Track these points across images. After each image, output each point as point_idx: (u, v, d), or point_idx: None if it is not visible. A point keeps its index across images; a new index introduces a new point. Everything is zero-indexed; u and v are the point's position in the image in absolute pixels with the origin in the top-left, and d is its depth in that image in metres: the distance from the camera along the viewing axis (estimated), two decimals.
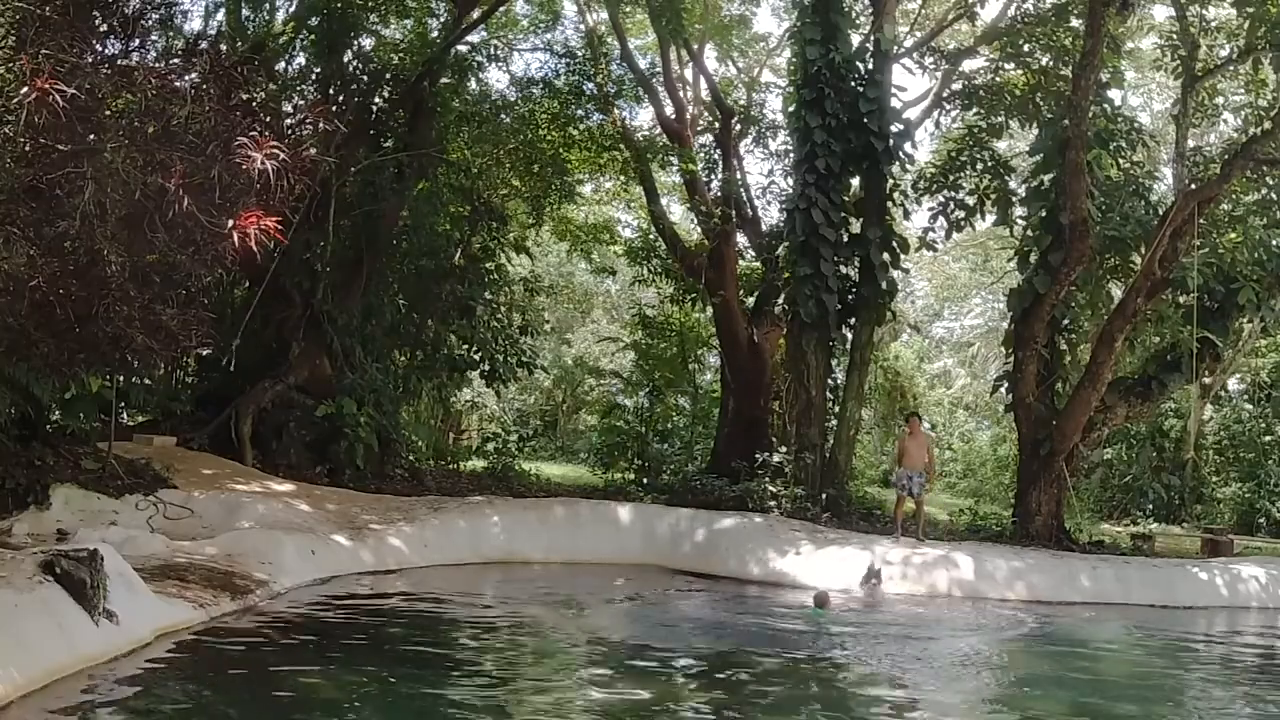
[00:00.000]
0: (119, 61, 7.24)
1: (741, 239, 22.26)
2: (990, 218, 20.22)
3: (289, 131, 16.64)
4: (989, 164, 19.62)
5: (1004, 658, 10.14)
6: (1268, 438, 24.46)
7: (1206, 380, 21.53)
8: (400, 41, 20.27)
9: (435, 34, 20.34)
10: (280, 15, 19.67)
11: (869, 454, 30.29)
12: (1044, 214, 17.55)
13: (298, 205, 10.37)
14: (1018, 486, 18.02)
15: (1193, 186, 17.55)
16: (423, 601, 10.76)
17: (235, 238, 6.45)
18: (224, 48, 13.98)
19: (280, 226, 6.53)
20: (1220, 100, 20.61)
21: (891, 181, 18.85)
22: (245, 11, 18.90)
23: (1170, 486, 24.21)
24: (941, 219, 20.01)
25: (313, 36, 19.09)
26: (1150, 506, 23.93)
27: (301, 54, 19.91)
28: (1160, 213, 17.16)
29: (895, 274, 18.73)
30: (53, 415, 13.51)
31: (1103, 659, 10.44)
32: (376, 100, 19.22)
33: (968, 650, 10.23)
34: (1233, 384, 26.19)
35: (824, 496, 16.85)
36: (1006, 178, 19.53)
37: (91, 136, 6.41)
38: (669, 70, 21.74)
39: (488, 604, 11.21)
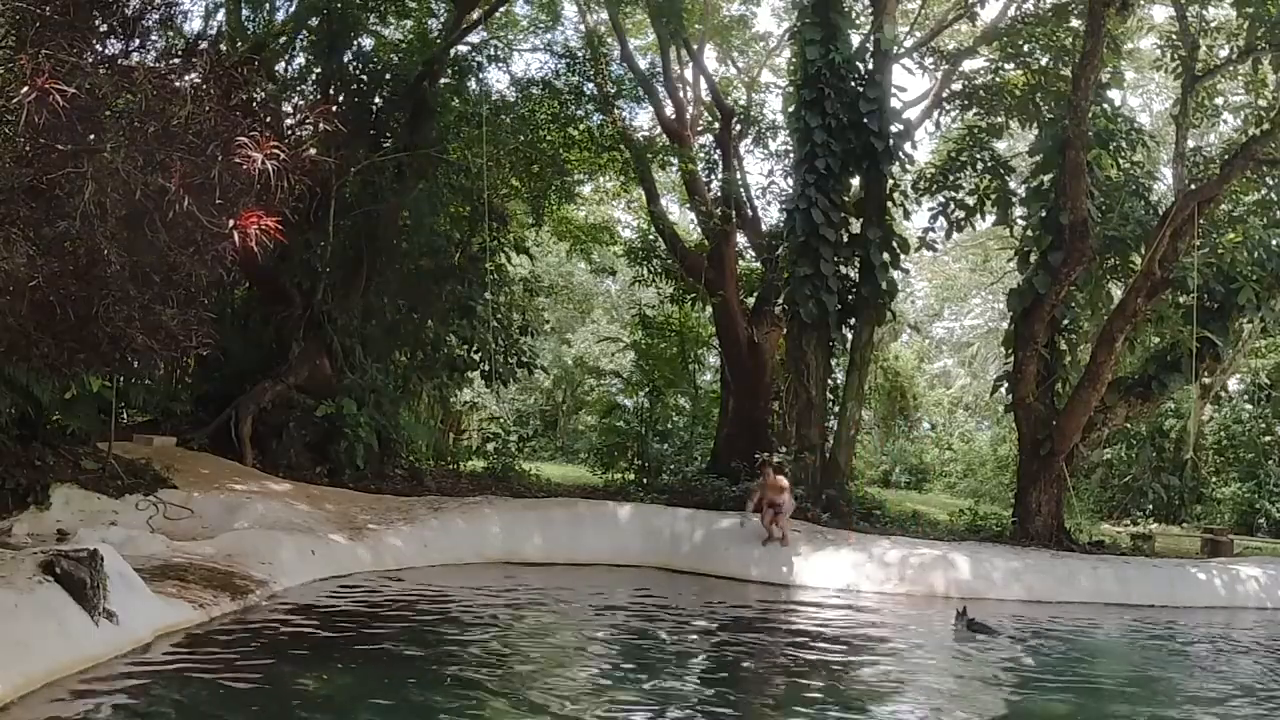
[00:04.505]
0: (119, 61, 7.24)
1: (741, 239, 22.28)
2: (990, 218, 20.22)
3: (289, 131, 16.71)
4: (989, 164, 19.62)
5: (1002, 656, 10.15)
6: (1268, 438, 24.49)
7: (1206, 380, 21.55)
8: (400, 41, 20.28)
9: (435, 34, 20.34)
10: (280, 15, 19.68)
11: (869, 454, 30.31)
12: (1044, 214, 17.56)
13: (298, 205, 10.36)
14: (1018, 486, 18.02)
15: (1193, 186, 17.56)
16: (421, 601, 10.76)
17: (235, 238, 6.45)
18: (224, 48, 14.03)
19: (280, 226, 6.53)
20: (1220, 100, 20.62)
21: (891, 181, 18.85)
22: (245, 11, 18.91)
23: (1170, 486, 24.23)
24: (941, 219, 20.01)
25: (313, 36, 19.09)
26: (1150, 506, 23.96)
27: (301, 54, 19.93)
28: (1160, 213, 17.18)
29: (895, 274, 18.72)
30: (53, 415, 13.51)
31: (1101, 659, 10.44)
32: (376, 100, 19.22)
33: (967, 649, 10.24)
34: (1233, 384, 26.21)
35: (824, 496, 16.85)
36: (1006, 178, 19.53)
37: (91, 136, 6.41)
38: (669, 70, 21.75)
39: (487, 604, 11.21)
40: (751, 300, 21.65)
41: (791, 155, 19.96)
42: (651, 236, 22.72)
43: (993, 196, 19.56)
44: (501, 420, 28.50)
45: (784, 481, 14.39)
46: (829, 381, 18.71)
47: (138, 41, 7.61)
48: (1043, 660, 9.95)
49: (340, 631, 9.01)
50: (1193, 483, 24.40)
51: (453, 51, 19.56)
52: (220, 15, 18.36)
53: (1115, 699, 8.60)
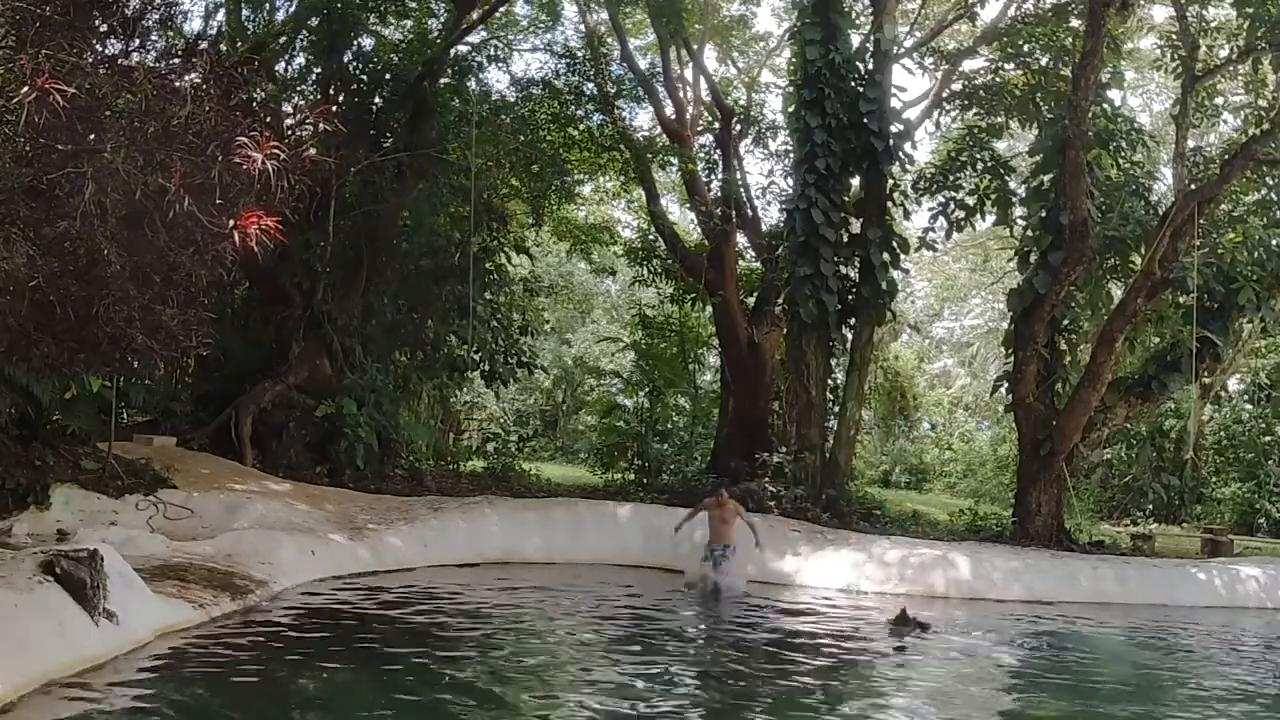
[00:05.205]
0: (119, 61, 7.24)
1: (741, 239, 22.27)
2: (990, 218, 20.22)
3: (289, 131, 16.72)
4: (989, 164, 19.61)
5: (1001, 657, 10.15)
6: (1268, 438, 24.48)
7: (1206, 380, 21.54)
8: (400, 41, 20.28)
9: (435, 34, 20.34)
10: (280, 15, 19.68)
11: (869, 454, 30.31)
12: (1044, 214, 17.57)
13: (298, 205, 10.37)
14: (1018, 486, 18.02)
15: (1193, 186, 17.56)
16: (421, 601, 10.76)
17: (235, 238, 6.45)
18: (224, 48, 14.03)
19: (280, 226, 6.53)
20: (1220, 100, 20.62)
21: (891, 181, 18.84)
22: (245, 11, 18.90)
23: (1170, 486, 24.23)
24: (941, 219, 20.01)
25: (313, 36, 19.08)
26: (1150, 506, 23.95)
27: (301, 54, 19.92)
28: (1160, 213, 17.18)
29: (895, 274, 18.72)
30: (53, 415, 13.51)
31: (1101, 659, 10.44)
32: (376, 100, 19.22)
33: (966, 649, 10.25)
34: (1233, 384, 26.20)
35: (824, 496, 16.85)
36: (1006, 178, 19.53)
37: (91, 136, 6.41)
38: (669, 70, 21.74)
39: (486, 604, 11.21)
40: (751, 300, 21.64)
41: (791, 155, 19.95)
42: (651, 236, 22.72)
43: (993, 196, 19.55)
44: (501, 420, 28.52)
45: (737, 510, 12.93)
46: (829, 381, 18.71)
47: (138, 41, 7.60)
48: (1028, 660, 9.96)
49: (340, 631, 9.01)
50: (1193, 483, 24.39)
51: (453, 51, 19.56)
52: (220, 15, 18.37)
53: (1109, 699, 8.59)
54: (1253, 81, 19.13)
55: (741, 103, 22.79)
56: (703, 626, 11.18)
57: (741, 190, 21.75)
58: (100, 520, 11.38)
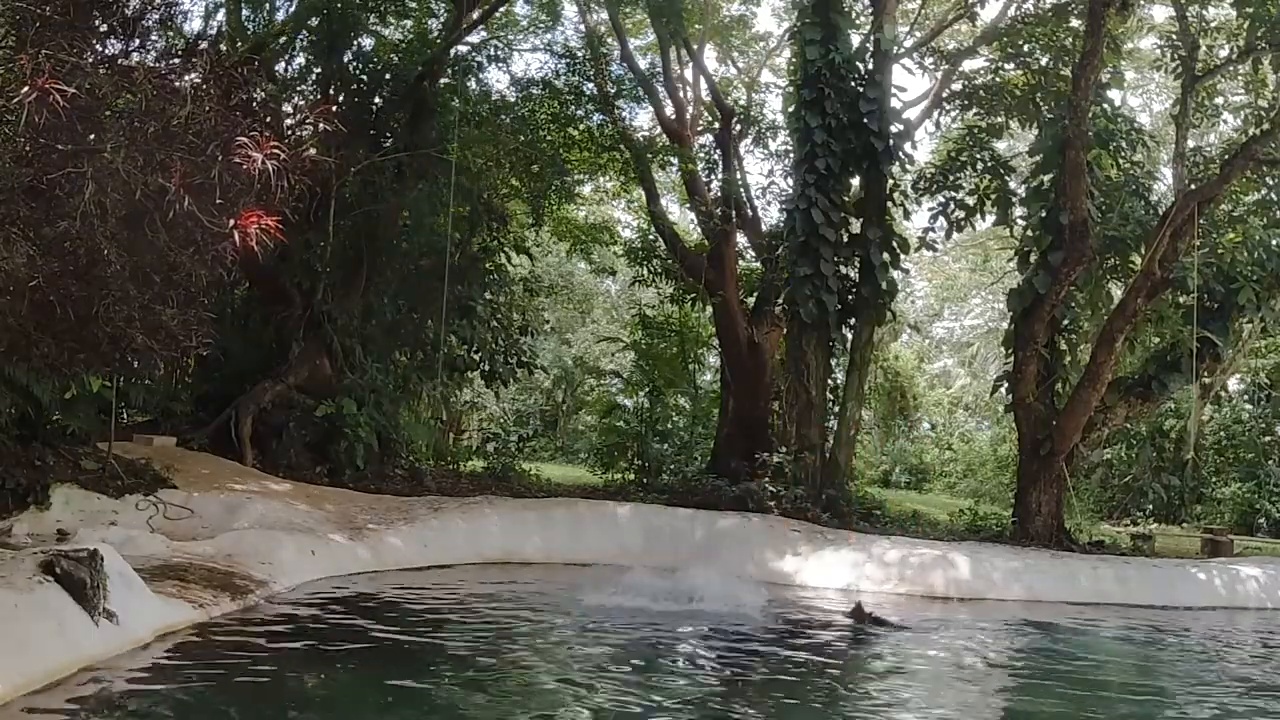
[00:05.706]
0: (119, 61, 7.24)
1: (741, 239, 22.28)
2: (990, 218, 20.22)
3: (289, 131, 16.73)
4: (989, 164, 19.62)
5: (999, 658, 10.15)
6: (1268, 438, 24.51)
7: (1206, 380, 21.54)
8: (400, 41, 20.29)
9: (435, 34, 20.35)
10: (280, 15, 19.69)
11: (869, 454, 30.32)
12: (1044, 214, 17.57)
13: (298, 205, 10.37)
14: (1018, 486, 18.02)
15: (1193, 186, 17.57)
16: (421, 601, 10.76)
17: (235, 238, 6.45)
18: (224, 48, 14.03)
19: (280, 226, 6.53)
20: (1220, 100, 20.62)
21: (891, 181, 18.84)
22: (245, 11, 18.91)
23: (1170, 486, 24.24)
24: (941, 219, 20.01)
25: (313, 36, 19.10)
26: (1150, 506, 23.96)
27: (301, 54, 19.93)
28: (1160, 213, 17.18)
29: (895, 274, 18.72)
30: (53, 415, 13.51)
31: (1100, 660, 10.44)
32: (376, 100, 19.23)
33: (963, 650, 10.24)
34: (1233, 384, 26.21)
35: (824, 496, 16.85)
36: (1006, 178, 19.53)
37: (91, 136, 6.41)
38: (669, 70, 21.75)
39: (485, 604, 11.20)
40: (751, 300, 21.65)
41: (791, 155, 19.95)
42: (651, 236, 22.73)
43: (993, 196, 19.56)
44: (501, 420, 28.54)
45: None
46: (829, 381, 18.71)
47: (138, 41, 7.59)
48: (1024, 660, 9.96)
49: (340, 631, 9.01)
50: (1193, 483, 24.40)
51: (453, 51, 19.57)
52: (220, 15, 18.38)
53: (1106, 698, 8.59)
54: (1253, 81, 19.13)
55: (741, 103, 22.79)
56: (692, 626, 11.15)
57: (741, 190, 21.74)
58: (100, 520, 11.39)
